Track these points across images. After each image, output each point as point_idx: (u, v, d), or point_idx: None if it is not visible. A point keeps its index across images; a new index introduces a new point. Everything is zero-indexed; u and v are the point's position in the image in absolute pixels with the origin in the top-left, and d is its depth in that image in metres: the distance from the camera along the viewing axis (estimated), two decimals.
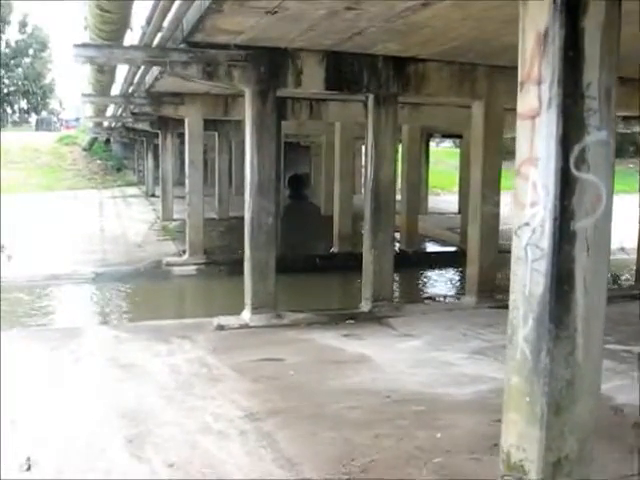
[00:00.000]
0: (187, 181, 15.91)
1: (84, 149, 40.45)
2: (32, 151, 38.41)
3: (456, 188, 33.36)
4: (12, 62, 64.51)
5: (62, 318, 12.19)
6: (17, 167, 35.55)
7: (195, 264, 15.70)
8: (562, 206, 3.55)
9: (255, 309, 9.55)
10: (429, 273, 16.53)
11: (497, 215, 11.06)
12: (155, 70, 12.19)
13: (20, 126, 61.72)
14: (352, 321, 9.83)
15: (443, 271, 16.86)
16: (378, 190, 10.09)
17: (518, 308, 3.86)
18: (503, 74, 10.63)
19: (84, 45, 8.62)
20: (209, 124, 20.86)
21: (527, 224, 3.73)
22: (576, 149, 3.56)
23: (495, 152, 10.89)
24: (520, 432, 3.82)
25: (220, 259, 15.87)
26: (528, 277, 3.75)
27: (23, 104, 68.49)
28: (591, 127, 3.59)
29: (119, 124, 27.56)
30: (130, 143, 37.79)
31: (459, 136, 27.09)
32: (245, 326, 9.39)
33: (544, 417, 3.67)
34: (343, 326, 9.54)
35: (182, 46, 8.87)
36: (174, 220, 22.03)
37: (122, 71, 13.28)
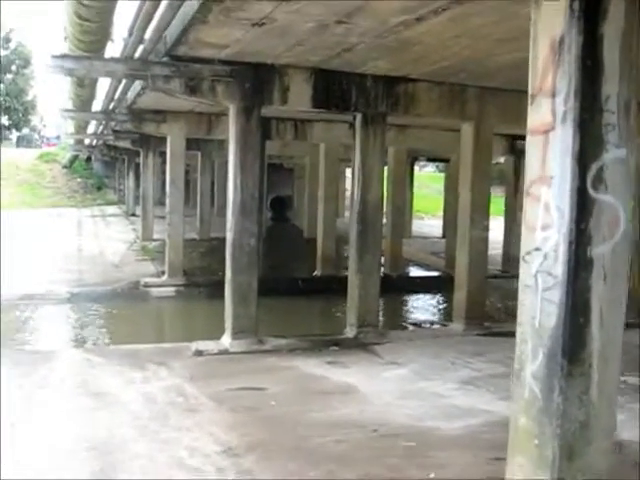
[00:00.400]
0: (168, 200, 15.51)
1: (64, 167, 39.90)
2: (14, 167, 37.79)
3: (440, 212, 33.30)
4: None
5: (34, 340, 11.68)
6: None
7: (174, 285, 15.25)
8: (578, 229, 3.23)
9: (235, 334, 9.15)
10: (414, 298, 16.20)
11: (486, 239, 10.79)
12: (137, 86, 11.86)
13: (1, 143, 60.98)
14: (336, 347, 9.45)
15: (428, 296, 16.53)
16: (365, 212, 9.78)
17: (526, 341, 3.52)
18: (494, 96, 10.45)
19: (62, 56, 8.25)
20: (192, 143, 20.50)
21: (538, 249, 3.40)
22: (594, 167, 3.25)
23: (484, 175, 10.63)
24: (527, 477, 3.46)
25: (200, 281, 15.45)
26: (538, 307, 3.41)
27: (4, 120, 67.72)
28: (609, 144, 3.28)
29: (100, 142, 27.15)
30: (111, 162, 37.33)
31: (445, 160, 26.97)
32: (225, 352, 8.99)
33: (555, 462, 3.33)
34: (327, 353, 9.16)
35: (164, 59, 8.53)
36: (154, 240, 21.59)
37: (103, 86, 12.95)
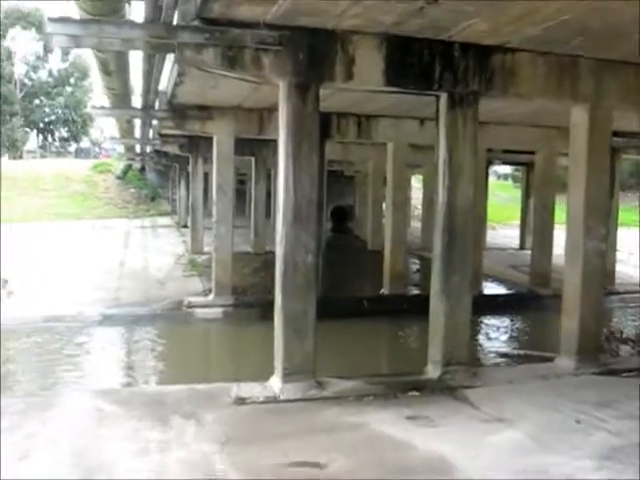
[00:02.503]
0: (214, 208, 13.63)
1: (118, 177, 38.68)
2: (64, 179, 36.72)
3: (513, 221, 30.81)
4: (54, 91, 63.88)
5: (39, 376, 9.76)
6: (47, 195, 33.92)
7: (221, 306, 13.34)
8: None
9: (287, 376, 7.13)
10: (497, 321, 13.84)
11: (603, 253, 8.54)
12: (174, 71, 10.02)
13: (61, 155, 60.66)
14: (416, 393, 7.33)
15: (513, 319, 14.15)
16: (452, 219, 7.65)
17: None
18: (613, 71, 8.23)
19: (63, 19, 6.37)
20: (245, 147, 18.75)
21: None
22: None
23: (603, 171, 8.40)
24: None
25: (251, 300, 13.49)
26: None
27: (64, 132, 67.70)
28: None
29: (149, 148, 25.65)
30: (165, 171, 35.90)
31: (521, 163, 24.63)
32: (273, 399, 6.97)
33: None
34: (405, 401, 7.06)
35: (195, 23, 6.62)
36: (204, 253, 19.78)
37: (137, 77, 11.10)
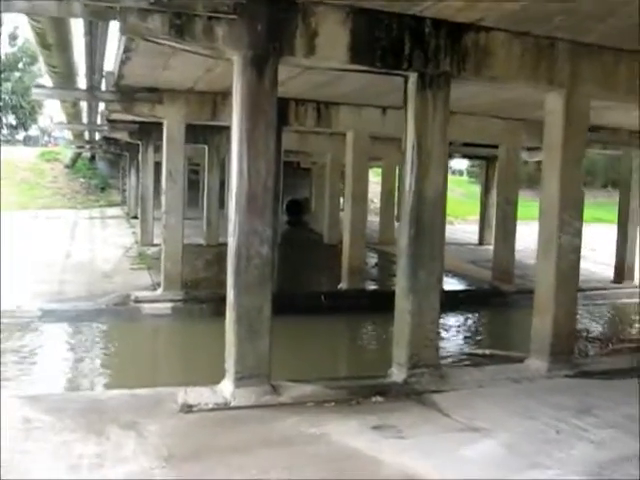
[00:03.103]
0: (163, 198, 12.84)
1: (66, 166, 37.32)
2: (10, 167, 35.20)
3: (471, 217, 30.56)
4: (1, 76, 61.62)
5: None
6: None
7: (171, 300, 12.55)
8: None
9: (240, 380, 6.46)
10: (459, 318, 13.33)
11: (579, 248, 8.05)
12: (120, 47, 9.24)
13: (9, 144, 58.53)
14: (380, 398, 6.74)
15: (477, 316, 13.68)
16: (420, 210, 7.06)
17: None
18: (590, 56, 7.76)
19: None
20: (198, 135, 18.00)
21: None
22: None
23: (578, 162, 7.91)
24: None
25: (202, 295, 12.73)
26: None
27: (12, 120, 65.42)
28: None
29: (98, 136, 24.57)
30: (116, 160, 34.73)
31: (482, 157, 24.32)
32: (224, 406, 6.30)
33: None
34: (369, 407, 6.46)
35: None
36: (154, 245, 18.92)
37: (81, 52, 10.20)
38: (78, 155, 36.82)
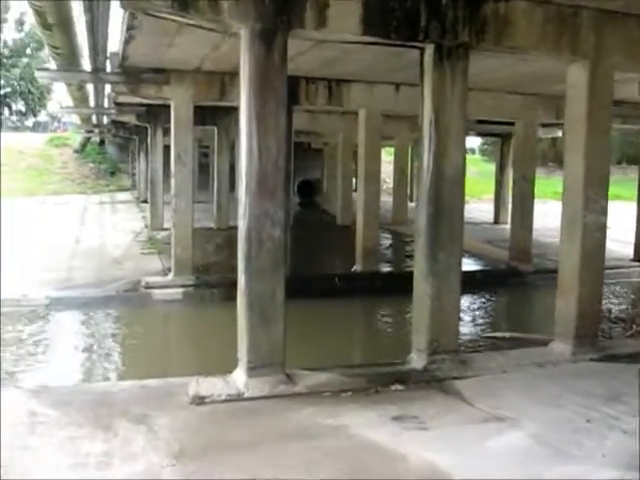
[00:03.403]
0: (172, 181, 12.54)
1: (75, 151, 37.07)
2: (17, 153, 34.97)
3: (486, 196, 30.12)
4: (9, 62, 61.39)
5: None
6: None
7: (181, 286, 12.31)
8: None
9: (253, 369, 6.19)
10: (477, 299, 12.98)
11: (604, 227, 7.70)
12: (124, 25, 8.91)
13: (18, 130, 58.35)
14: (400, 386, 6.45)
15: (494, 297, 13.33)
16: (439, 187, 6.73)
17: None
18: (614, 24, 7.35)
19: None
20: (207, 116, 17.70)
21: None
22: None
23: (604, 136, 7.52)
24: None
25: (214, 280, 12.47)
26: None
27: (20, 106, 65.26)
28: None
29: (106, 120, 24.27)
30: (125, 144, 34.45)
31: (496, 134, 23.86)
32: (237, 397, 6.03)
33: None
34: (388, 396, 6.18)
35: None
36: (164, 230, 18.66)
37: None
38: (87, 140, 36.57)
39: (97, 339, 9.87)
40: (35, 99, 63.26)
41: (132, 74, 11.87)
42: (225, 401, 5.96)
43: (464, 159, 6.85)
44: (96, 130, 29.65)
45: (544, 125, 18.39)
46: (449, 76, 6.66)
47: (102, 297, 11.70)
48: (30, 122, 64.13)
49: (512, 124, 18.77)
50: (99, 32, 9.36)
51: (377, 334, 10.47)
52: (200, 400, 5.90)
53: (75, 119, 36.88)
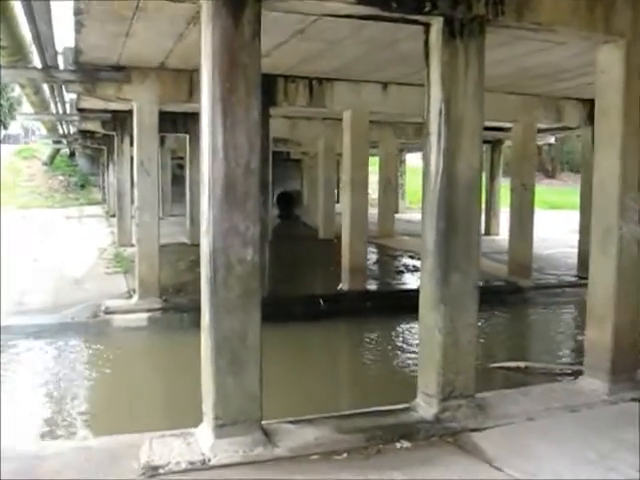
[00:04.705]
0: (135, 191, 11.19)
1: (44, 163, 35.47)
2: None
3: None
4: None
5: None
6: None
7: (147, 310, 10.92)
8: None
9: (221, 427, 4.84)
10: (478, 319, 11.62)
11: None
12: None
13: None
14: (407, 443, 5.14)
15: (496, 316, 11.97)
16: (452, 193, 5.43)
17: None
18: None
19: None
20: (178, 123, 16.46)
21: None
22: None
23: None
24: None
25: (184, 303, 11.05)
26: None
27: None
28: None
29: (72, 129, 22.82)
30: (96, 156, 32.92)
31: (486, 141, 22.70)
32: (200, 465, 4.68)
33: None
34: (393, 457, 4.88)
35: None
36: (132, 246, 17.18)
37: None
38: (57, 152, 34.98)
39: (36, 379, 8.36)
40: (5, 111, 61.35)
41: (88, 71, 10.52)
42: (185, 471, 4.61)
43: (481, 159, 5.57)
44: (64, 141, 28.15)
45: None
46: (462, 56, 5.38)
47: (56, 324, 10.30)
48: (0, 135, 62.21)
49: (502, 130, 17.70)
50: (41, 18, 8.00)
51: (371, 366, 9.02)
52: (153, 471, 4.55)
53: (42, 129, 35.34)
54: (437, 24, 5.39)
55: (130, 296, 11.72)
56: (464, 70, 5.38)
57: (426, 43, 5.56)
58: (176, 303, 11.21)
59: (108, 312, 10.79)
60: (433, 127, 5.46)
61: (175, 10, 7.43)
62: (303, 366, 8.40)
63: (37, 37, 8.72)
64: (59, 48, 10.44)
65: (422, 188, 5.70)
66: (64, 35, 9.95)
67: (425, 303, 5.67)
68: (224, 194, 4.69)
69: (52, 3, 8.05)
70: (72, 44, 9.55)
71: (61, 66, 10.75)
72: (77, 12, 7.58)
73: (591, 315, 6.58)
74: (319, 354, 9.16)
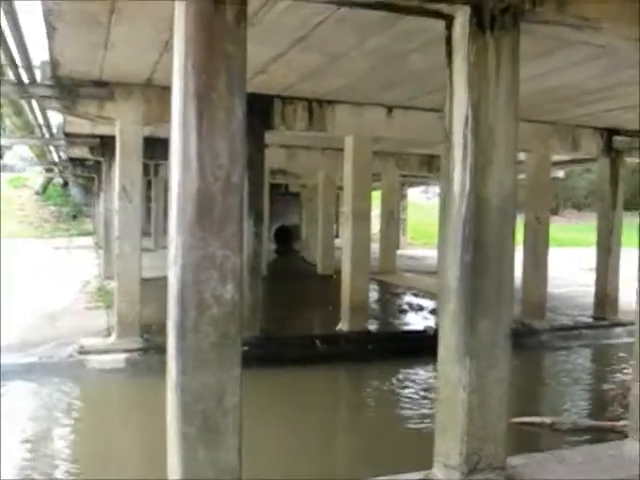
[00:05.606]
0: (116, 220, 10.23)
1: (36, 193, 34.61)
2: None
3: None
4: None
5: None
6: None
7: (125, 350, 9.85)
8: None
9: None
10: None
11: None
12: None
13: None
14: None
15: (513, 362, 10.88)
16: (481, 219, 4.43)
17: None
18: None
19: None
20: (163, 142, 15.41)
21: None
22: None
23: None
24: None
25: (165, 343, 9.97)
26: None
27: None
28: None
29: (63, 155, 21.96)
30: (89, 186, 32.04)
31: None
32: None
33: None
34: None
35: None
36: None
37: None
38: (49, 181, 34.15)
39: None
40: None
41: (67, 87, 9.59)
42: None
43: (515, 178, 4.58)
44: (55, 169, 27.29)
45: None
46: (493, 53, 4.43)
47: (20, 365, 9.21)
48: None
49: None
50: (8, 24, 7.10)
51: (376, 424, 7.80)
52: None
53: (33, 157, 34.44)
54: (462, 16, 4.44)
55: (109, 334, 10.66)
56: (495, 70, 4.42)
57: (448, 41, 4.61)
58: (158, 343, 10.06)
59: (82, 352, 9.72)
60: (457, 138, 4.49)
61: (156, 11, 6.51)
62: (295, 423, 7.25)
63: (6, 50, 7.81)
64: (36, 62, 9.60)
65: (440, 213, 4.72)
66: (40, 47, 9.09)
67: (447, 355, 4.63)
68: (197, 215, 3.69)
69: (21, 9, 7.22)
70: (47, 55, 8.67)
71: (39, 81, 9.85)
72: (47, 13, 6.68)
73: (638, 368, 5.55)
74: (314, 408, 7.99)
